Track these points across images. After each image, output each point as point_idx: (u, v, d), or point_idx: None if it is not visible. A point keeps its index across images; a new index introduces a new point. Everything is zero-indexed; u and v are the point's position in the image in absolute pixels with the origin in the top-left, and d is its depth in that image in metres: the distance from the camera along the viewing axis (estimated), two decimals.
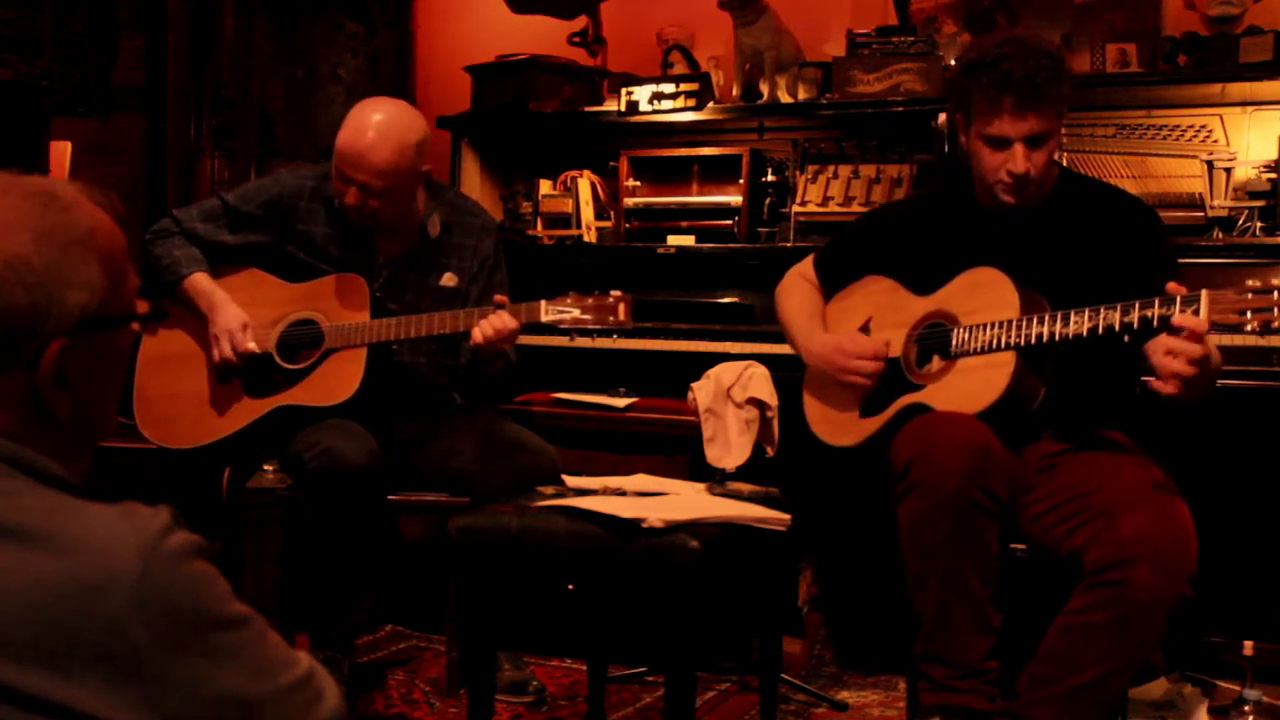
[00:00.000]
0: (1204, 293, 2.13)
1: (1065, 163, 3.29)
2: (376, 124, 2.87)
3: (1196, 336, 2.10)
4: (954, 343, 2.46)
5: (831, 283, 2.78)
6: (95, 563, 1.01)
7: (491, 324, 2.78)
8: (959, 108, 2.52)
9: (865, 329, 2.66)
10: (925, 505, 2.27)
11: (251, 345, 2.95)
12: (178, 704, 1.02)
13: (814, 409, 2.71)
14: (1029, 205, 2.48)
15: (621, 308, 2.80)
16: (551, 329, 2.85)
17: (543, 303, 2.82)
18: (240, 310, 2.98)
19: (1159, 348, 2.15)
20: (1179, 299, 2.15)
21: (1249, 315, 2.09)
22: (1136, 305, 2.20)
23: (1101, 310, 2.24)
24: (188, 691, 1.03)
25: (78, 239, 1.12)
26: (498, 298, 2.85)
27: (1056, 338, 2.31)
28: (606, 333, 2.83)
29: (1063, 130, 2.52)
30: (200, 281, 3.01)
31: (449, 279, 3.06)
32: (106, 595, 1.00)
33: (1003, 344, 2.37)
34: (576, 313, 2.79)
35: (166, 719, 1.02)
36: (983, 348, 2.40)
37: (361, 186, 2.88)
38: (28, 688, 0.99)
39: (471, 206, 3.23)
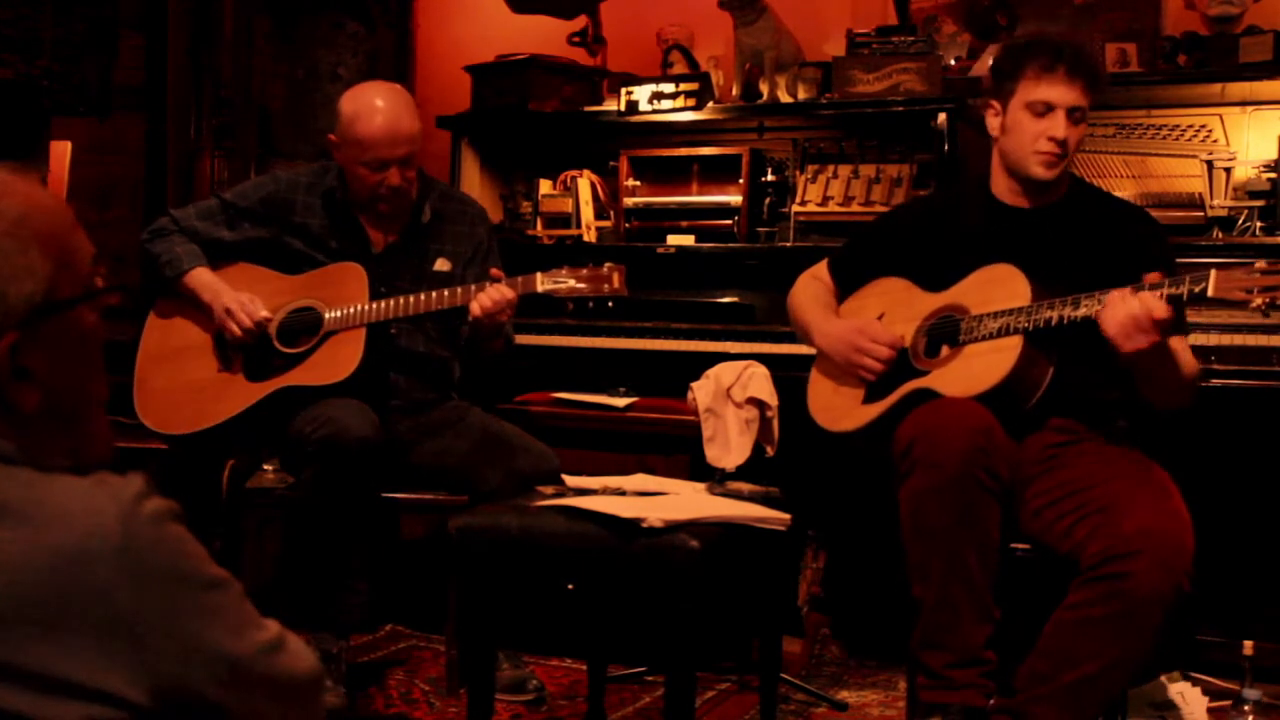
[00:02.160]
0: (1211, 270, 2.16)
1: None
2: (386, 103, 2.97)
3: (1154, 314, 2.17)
4: (962, 331, 2.48)
5: (847, 284, 2.79)
6: (77, 533, 1.00)
7: (489, 295, 2.83)
8: (998, 89, 2.56)
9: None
10: (927, 484, 2.27)
11: (264, 312, 2.98)
12: (168, 665, 1.02)
13: (818, 394, 2.71)
14: (1050, 198, 2.53)
15: (616, 276, 2.85)
16: (551, 330, 2.85)
17: (539, 274, 2.88)
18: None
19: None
20: (1188, 277, 2.19)
21: (1255, 293, 2.13)
22: (1146, 286, 2.23)
23: (1111, 292, 2.26)
24: (177, 652, 1.03)
25: (6, 230, 1.08)
26: (494, 271, 2.91)
27: (1065, 321, 2.32)
28: (602, 300, 2.88)
29: None
30: (203, 275, 3.03)
31: (442, 264, 3.09)
32: (92, 564, 1.00)
33: (1010, 329, 2.38)
34: (572, 282, 2.85)
35: (158, 682, 1.02)
36: (990, 334, 2.42)
37: (401, 161, 2.95)
38: (26, 665, 0.98)
39: (462, 196, 3.30)
